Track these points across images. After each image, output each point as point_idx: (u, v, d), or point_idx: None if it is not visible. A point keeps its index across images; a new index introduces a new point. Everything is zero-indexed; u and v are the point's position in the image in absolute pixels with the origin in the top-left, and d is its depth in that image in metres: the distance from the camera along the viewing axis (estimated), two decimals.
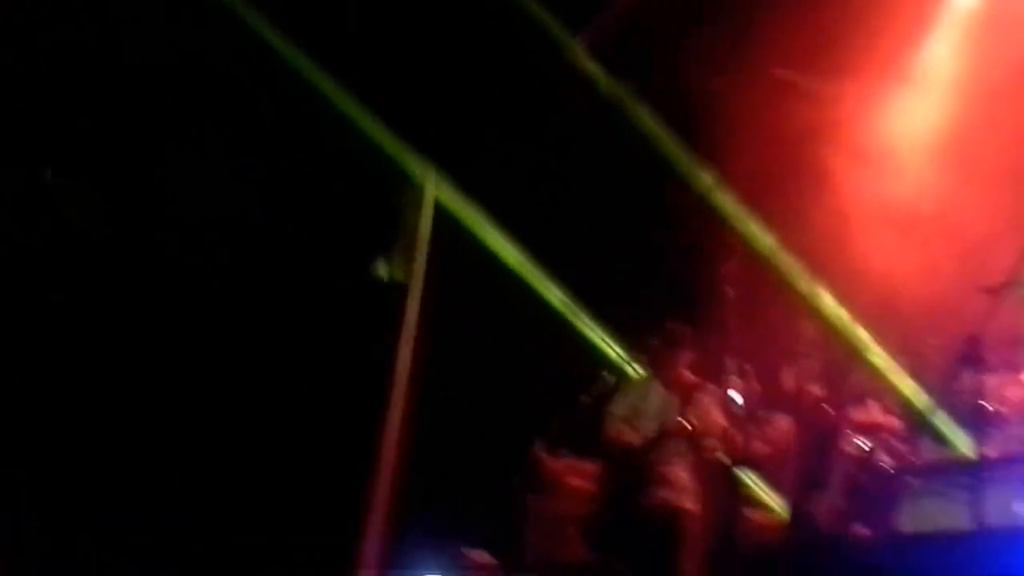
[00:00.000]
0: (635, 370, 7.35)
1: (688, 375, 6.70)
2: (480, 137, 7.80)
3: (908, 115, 8.09)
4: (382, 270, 7.73)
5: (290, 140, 7.62)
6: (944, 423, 6.35)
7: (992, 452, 5.53)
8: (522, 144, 7.80)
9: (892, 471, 6.69)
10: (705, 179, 8.08)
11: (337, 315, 7.73)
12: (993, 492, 5.41)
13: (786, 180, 7.74)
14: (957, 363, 4.85)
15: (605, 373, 7.21)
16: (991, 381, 5.22)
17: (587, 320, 8.19)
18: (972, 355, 4.56)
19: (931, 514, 6.03)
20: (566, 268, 8.20)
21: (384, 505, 7.26)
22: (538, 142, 7.83)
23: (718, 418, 6.67)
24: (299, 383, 7.81)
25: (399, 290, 7.68)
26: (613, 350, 7.91)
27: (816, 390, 8.11)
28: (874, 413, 7.42)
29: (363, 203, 7.82)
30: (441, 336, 7.58)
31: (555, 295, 8.22)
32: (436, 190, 7.86)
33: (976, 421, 4.65)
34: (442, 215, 7.88)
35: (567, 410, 7.16)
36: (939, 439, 6.58)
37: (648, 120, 7.99)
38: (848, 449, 6.76)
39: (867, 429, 7.29)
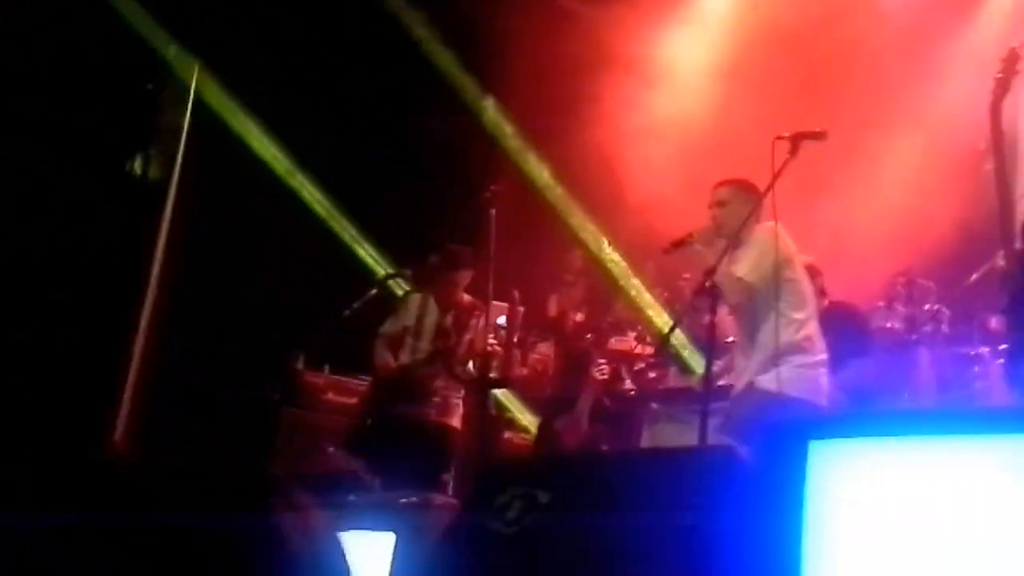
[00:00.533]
0: (401, 287, 7.34)
1: (463, 296, 6.76)
2: (250, 35, 7.51)
3: (685, 40, 8.40)
4: (138, 167, 7.40)
5: (43, 27, 7.11)
6: (690, 354, 6.67)
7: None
8: (294, 47, 7.59)
9: (635, 396, 7.03)
10: (482, 102, 8.10)
11: (89, 213, 7.34)
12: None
13: (562, 108, 7.85)
14: (696, 295, 5.06)
15: (372, 289, 7.11)
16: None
17: (354, 233, 8.11)
18: (711, 288, 4.76)
19: (668, 436, 6.43)
20: (334, 179, 8.08)
21: (131, 414, 7.04)
22: (311, 47, 7.64)
23: (486, 340, 6.81)
24: (48, 284, 7.40)
25: (155, 188, 7.37)
26: (381, 265, 7.87)
27: (578, 317, 8.42)
28: (629, 342, 7.73)
29: (120, 97, 7.41)
30: (198, 241, 7.33)
31: (321, 205, 8.08)
32: (199, 86, 7.53)
33: (709, 352, 4.89)
34: (204, 113, 7.57)
35: (329, 323, 7.08)
36: (685, 369, 6.92)
37: (427, 37, 7.92)
38: (597, 375, 7.00)
39: (620, 356, 7.59)
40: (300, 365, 7.24)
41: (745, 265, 4.89)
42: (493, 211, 5.49)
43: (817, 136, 4.46)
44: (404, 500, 3.63)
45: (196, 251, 7.39)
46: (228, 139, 7.65)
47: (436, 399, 6.64)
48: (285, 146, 7.88)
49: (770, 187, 4.49)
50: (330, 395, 7.60)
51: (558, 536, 2.72)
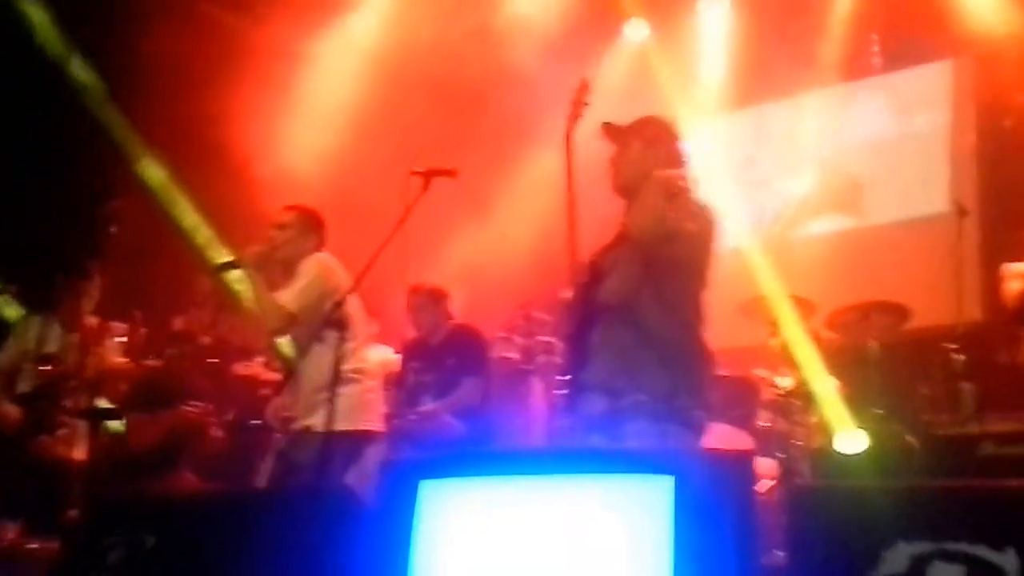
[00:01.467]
0: (10, 305, 6.77)
1: (88, 316, 6.35)
2: None
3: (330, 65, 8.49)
4: None
5: None
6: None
7: None
8: None
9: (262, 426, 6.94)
10: (108, 113, 7.70)
11: None
12: None
13: (195, 123, 7.64)
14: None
15: None
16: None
17: None
18: None
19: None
20: None
21: None
22: None
23: (112, 361, 6.42)
24: None
25: None
26: None
27: (205, 340, 8.18)
28: (255, 367, 7.63)
29: None
30: None
31: None
32: None
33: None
34: None
35: None
36: None
37: (49, 36, 7.44)
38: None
39: (246, 382, 7.47)
40: None
41: (289, 294, 4.89)
42: (114, 228, 5.21)
43: (448, 174, 4.62)
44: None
45: None
46: None
47: (63, 430, 6.12)
48: None
49: (402, 220, 4.61)
50: None
51: None
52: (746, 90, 8.64)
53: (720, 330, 6.28)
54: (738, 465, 2.54)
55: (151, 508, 3.01)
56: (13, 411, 6.09)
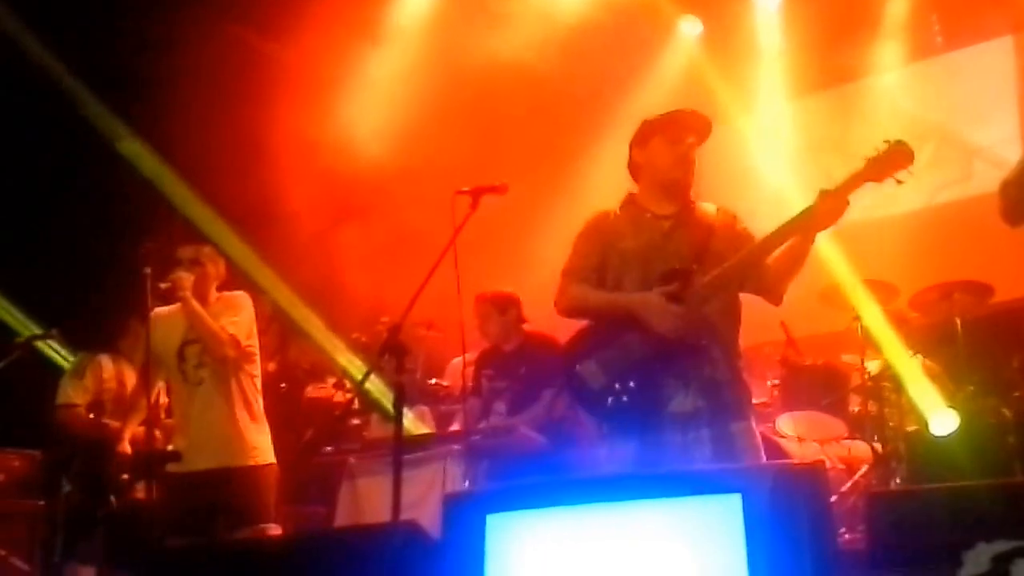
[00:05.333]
0: (53, 349, 6.96)
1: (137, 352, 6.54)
2: None
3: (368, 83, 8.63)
4: None
5: None
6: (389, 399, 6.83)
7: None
8: None
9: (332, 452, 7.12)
10: (132, 145, 7.90)
11: None
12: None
13: (228, 150, 7.81)
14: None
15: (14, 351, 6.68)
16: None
17: None
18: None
19: (366, 490, 6.57)
20: None
21: None
22: None
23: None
24: None
25: None
26: (24, 327, 7.42)
27: (270, 367, 8.38)
28: (327, 389, 7.81)
29: None
30: None
31: None
32: None
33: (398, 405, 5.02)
34: None
35: None
36: (387, 416, 7.07)
37: (72, 84, 7.68)
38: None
39: (321, 405, 7.65)
40: None
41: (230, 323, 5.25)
42: (148, 269, 5.39)
43: (497, 190, 4.64)
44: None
45: None
46: None
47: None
48: None
49: (451, 243, 4.68)
50: None
51: None
52: (806, 77, 8.72)
53: (804, 318, 6.36)
54: (807, 477, 2.60)
55: (214, 557, 3.15)
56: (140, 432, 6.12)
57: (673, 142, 4.07)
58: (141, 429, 6.06)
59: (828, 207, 3.73)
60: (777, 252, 3.89)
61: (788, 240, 3.84)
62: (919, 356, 5.97)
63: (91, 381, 6.36)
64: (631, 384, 3.84)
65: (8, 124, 7.33)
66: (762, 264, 3.94)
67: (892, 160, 3.69)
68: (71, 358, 6.82)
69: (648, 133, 4.14)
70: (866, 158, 3.73)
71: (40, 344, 6.73)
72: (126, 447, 6.06)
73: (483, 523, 2.78)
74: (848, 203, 3.75)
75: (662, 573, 2.61)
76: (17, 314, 7.44)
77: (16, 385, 6.41)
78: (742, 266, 3.91)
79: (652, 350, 3.85)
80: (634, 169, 4.23)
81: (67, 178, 7.69)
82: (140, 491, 6.09)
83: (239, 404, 5.28)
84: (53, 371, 6.73)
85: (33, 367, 6.61)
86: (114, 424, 6.12)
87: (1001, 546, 2.48)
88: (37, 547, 6.80)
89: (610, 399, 3.86)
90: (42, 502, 6.75)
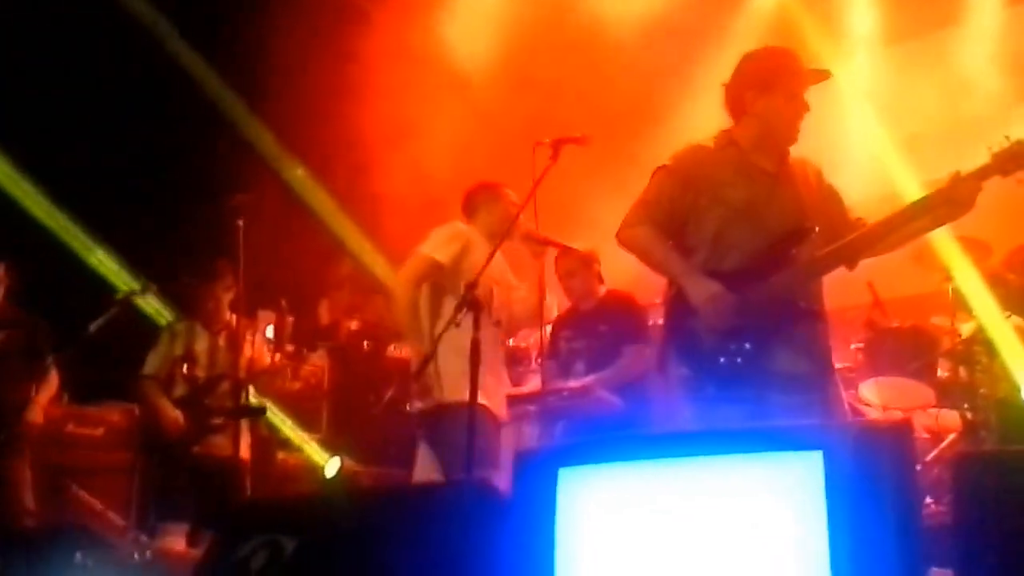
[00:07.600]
0: (151, 305, 7.15)
1: (229, 314, 6.65)
2: None
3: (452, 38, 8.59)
4: None
5: None
6: None
7: None
8: (17, 41, 7.29)
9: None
10: (235, 106, 7.99)
11: None
12: None
13: (322, 109, 7.86)
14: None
15: (112, 307, 6.86)
16: None
17: (95, 248, 7.86)
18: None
19: None
20: (70, 193, 7.82)
21: None
22: (37, 43, 7.36)
23: (262, 358, 6.73)
24: None
25: None
26: (123, 282, 7.61)
27: (352, 325, 8.43)
28: (407, 350, 7.83)
29: None
30: None
31: (57, 219, 7.82)
32: None
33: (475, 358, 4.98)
34: None
35: (68, 347, 6.81)
36: None
37: (170, 36, 7.77)
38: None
39: (403, 364, 7.68)
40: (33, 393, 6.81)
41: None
42: (241, 221, 5.41)
43: (578, 141, 4.58)
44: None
45: None
46: None
47: (221, 433, 6.33)
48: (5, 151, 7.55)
49: (531, 194, 4.63)
50: (71, 427, 7.30)
51: None
52: (894, 27, 8.43)
53: (893, 279, 6.17)
54: (892, 435, 2.51)
55: (289, 511, 3.16)
56: (176, 414, 6.44)
57: (793, 97, 3.91)
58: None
59: (962, 193, 3.64)
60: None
61: (911, 222, 3.75)
62: (1014, 318, 5.78)
63: (163, 350, 6.63)
64: (746, 345, 3.75)
65: (110, 87, 7.48)
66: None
67: (1016, 158, 3.60)
68: (167, 315, 7.10)
69: (770, 80, 3.93)
70: (992, 152, 3.63)
71: (138, 300, 6.93)
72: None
73: (555, 478, 2.74)
74: (982, 188, 3.65)
75: (738, 531, 2.54)
76: (117, 270, 7.64)
77: (115, 341, 6.60)
78: (863, 243, 3.81)
79: (765, 311, 3.76)
80: (739, 110, 4.02)
81: (167, 137, 7.79)
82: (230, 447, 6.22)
83: None
84: (150, 327, 6.95)
85: (131, 323, 6.78)
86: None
87: None
88: (133, 503, 7.02)
89: (723, 359, 3.76)
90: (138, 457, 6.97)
